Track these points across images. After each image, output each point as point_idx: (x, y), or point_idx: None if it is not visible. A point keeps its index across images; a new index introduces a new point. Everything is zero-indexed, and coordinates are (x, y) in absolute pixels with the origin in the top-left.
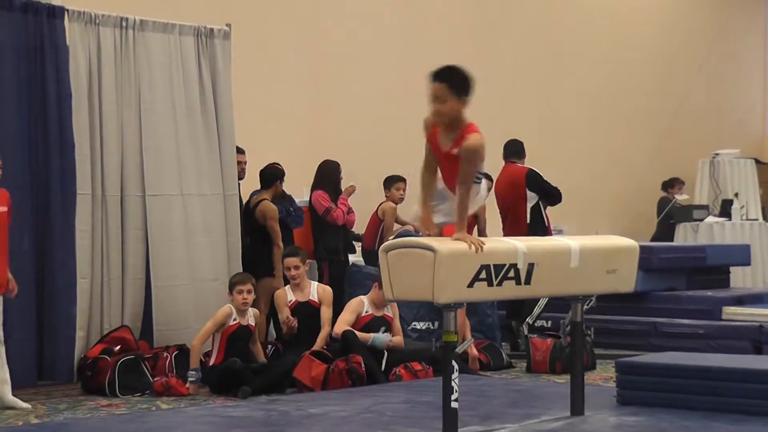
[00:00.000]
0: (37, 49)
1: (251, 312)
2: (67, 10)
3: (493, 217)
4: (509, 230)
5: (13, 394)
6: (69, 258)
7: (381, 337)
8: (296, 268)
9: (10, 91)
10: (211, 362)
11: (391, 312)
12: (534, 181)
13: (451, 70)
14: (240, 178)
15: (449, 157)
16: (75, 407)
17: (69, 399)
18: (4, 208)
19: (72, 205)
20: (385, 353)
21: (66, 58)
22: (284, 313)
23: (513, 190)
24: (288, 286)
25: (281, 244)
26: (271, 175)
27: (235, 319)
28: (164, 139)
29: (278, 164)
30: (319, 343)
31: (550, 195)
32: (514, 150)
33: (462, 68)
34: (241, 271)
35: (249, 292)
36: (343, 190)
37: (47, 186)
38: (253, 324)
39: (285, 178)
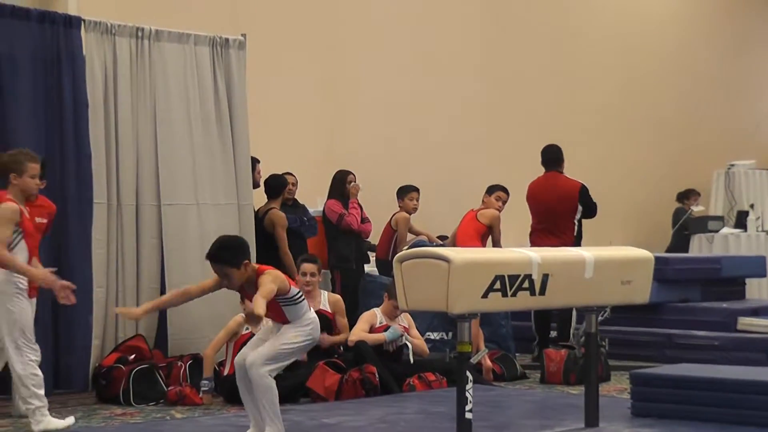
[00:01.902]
0: (54, 59)
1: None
2: (84, 20)
3: (514, 223)
4: (548, 240)
5: None
6: (86, 267)
7: (394, 331)
8: (312, 275)
9: (27, 100)
10: (225, 372)
11: (406, 322)
12: (586, 196)
13: (218, 249)
14: (254, 187)
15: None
16: (89, 416)
17: (84, 407)
18: (44, 220)
19: (89, 214)
20: (410, 353)
21: (83, 68)
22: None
23: (563, 203)
24: None
25: (288, 251)
26: (277, 185)
27: (247, 328)
28: (179, 149)
29: (290, 173)
30: (335, 340)
31: (592, 209)
32: (556, 158)
33: (225, 240)
34: None
35: None
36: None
37: (64, 195)
38: None
39: (297, 186)
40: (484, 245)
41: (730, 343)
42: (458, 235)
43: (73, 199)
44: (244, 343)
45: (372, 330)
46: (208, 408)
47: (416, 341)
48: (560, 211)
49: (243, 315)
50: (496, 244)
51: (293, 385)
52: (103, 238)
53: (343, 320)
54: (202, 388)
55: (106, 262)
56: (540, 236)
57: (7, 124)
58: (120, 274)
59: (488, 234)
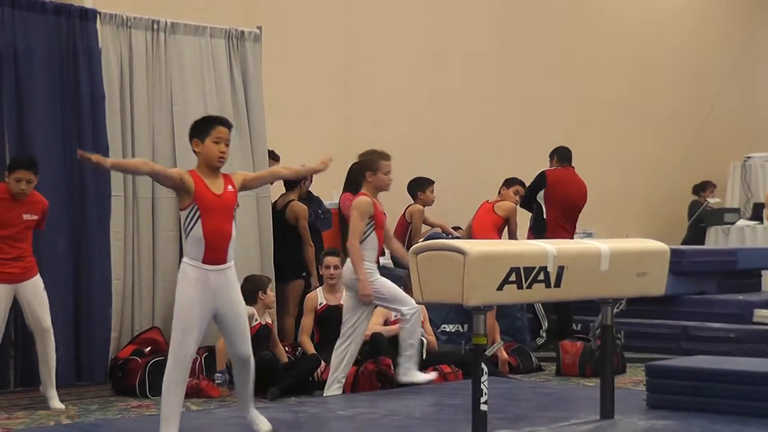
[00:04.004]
0: (70, 51)
1: (268, 313)
2: (100, 13)
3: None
4: (566, 234)
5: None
6: (105, 260)
7: None
8: (336, 268)
9: (44, 93)
10: None
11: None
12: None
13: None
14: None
15: None
16: (106, 408)
17: (100, 400)
18: (35, 217)
19: (107, 206)
20: (424, 345)
21: (99, 61)
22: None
23: (583, 199)
24: (319, 288)
25: (311, 243)
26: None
27: (256, 320)
28: None
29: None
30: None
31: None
32: (570, 155)
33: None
34: (273, 272)
35: (271, 289)
36: None
37: (82, 188)
38: (271, 322)
39: (311, 180)
40: (500, 237)
41: (746, 335)
42: (474, 227)
43: (90, 192)
44: (255, 335)
45: (387, 323)
46: (224, 400)
47: (428, 338)
48: (580, 206)
49: (250, 308)
50: (513, 236)
51: (308, 370)
52: (120, 230)
53: None
54: (216, 381)
55: (123, 254)
56: (571, 228)
57: (24, 117)
58: (136, 266)
59: (504, 226)
